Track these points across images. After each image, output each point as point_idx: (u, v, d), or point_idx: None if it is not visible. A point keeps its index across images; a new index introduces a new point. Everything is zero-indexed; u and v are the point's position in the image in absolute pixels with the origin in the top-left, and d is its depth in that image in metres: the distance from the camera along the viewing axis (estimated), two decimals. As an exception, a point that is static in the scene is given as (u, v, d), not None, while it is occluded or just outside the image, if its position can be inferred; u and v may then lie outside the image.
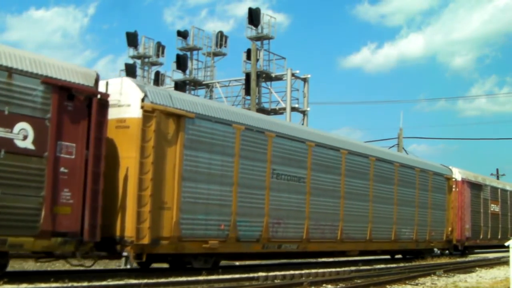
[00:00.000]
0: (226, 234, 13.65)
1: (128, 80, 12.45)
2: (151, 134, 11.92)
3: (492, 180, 33.42)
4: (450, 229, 25.11)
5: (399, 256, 24.41)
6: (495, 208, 31.47)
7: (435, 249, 25.95)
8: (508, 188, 34.78)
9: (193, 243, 12.96)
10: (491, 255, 28.58)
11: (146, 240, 11.66)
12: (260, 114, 18.04)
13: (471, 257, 27.16)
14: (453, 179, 25.99)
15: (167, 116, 12.32)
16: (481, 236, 29.42)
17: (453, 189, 25.86)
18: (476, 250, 31.44)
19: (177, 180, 12.42)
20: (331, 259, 21.87)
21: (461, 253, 28.12)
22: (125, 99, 11.99)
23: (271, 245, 15.20)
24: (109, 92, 11.47)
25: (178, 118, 12.56)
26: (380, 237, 20.02)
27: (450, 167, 26.79)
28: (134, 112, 11.88)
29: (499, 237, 31.52)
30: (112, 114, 11.56)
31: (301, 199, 16.17)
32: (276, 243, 15.35)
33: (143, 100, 11.88)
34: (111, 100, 11.43)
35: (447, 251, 26.69)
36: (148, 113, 11.90)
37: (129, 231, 11.53)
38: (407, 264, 19.86)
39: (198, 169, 12.99)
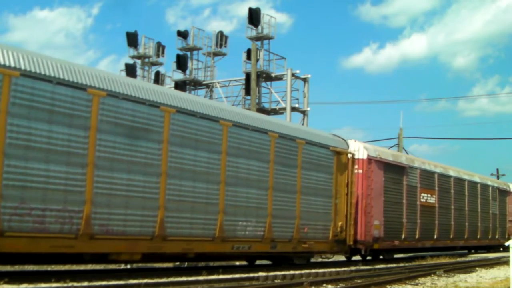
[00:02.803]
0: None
1: None
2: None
3: (426, 162, 25.04)
4: (340, 224, 17.66)
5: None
6: (428, 198, 23.80)
7: (333, 255, 19.57)
8: (451, 173, 26.45)
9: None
10: (491, 255, 28.39)
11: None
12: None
13: (471, 257, 27.10)
14: (350, 155, 18.47)
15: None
16: (402, 236, 21.58)
17: (352, 170, 18.46)
18: (398, 256, 24.52)
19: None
20: (331, 259, 21.84)
21: (372, 258, 21.29)
22: None
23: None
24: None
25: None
26: (180, 234, 13.02)
27: (351, 140, 19.97)
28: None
29: (436, 236, 24.43)
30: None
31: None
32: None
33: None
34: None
35: (339, 256, 20.61)
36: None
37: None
38: (407, 264, 19.85)
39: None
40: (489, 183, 31.23)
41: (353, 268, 16.36)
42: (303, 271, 14.27)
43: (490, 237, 30.31)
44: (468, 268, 19.03)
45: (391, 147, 39.19)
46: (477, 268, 19.19)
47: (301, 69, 33.32)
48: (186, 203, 13.13)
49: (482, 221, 29.25)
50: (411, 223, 22.40)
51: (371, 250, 20.48)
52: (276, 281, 12.86)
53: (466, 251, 31.07)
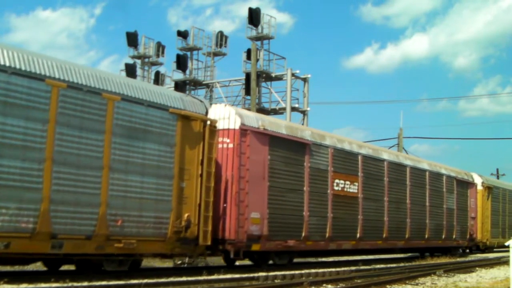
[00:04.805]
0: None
1: None
2: None
3: (346, 140, 19.25)
4: (186, 216, 12.98)
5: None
6: (347, 187, 18.43)
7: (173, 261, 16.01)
8: (385, 156, 20.97)
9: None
10: (491, 255, 28.34)
11: None
12: None
13: (471, 257, 27.09)
14: (207, 122, 13.74)
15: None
16: (302, 235, 16.17)
17: (212, 143, 13.78)
18: (302, 260, 19.59)
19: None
20: (331, 259, 21.87)
21: (255, 264, 16.17)
22: None
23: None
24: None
25: None
26: None
27: (220, 104, 15.93)
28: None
29: (359, 236, 18.75)
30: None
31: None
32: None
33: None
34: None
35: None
36: None
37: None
38: (407, 264, 19.84)
39: None
40: (443, 171, 25.24)
41: (353, 268, 16.36)
42: (303, 271, 14.28)
43: (444, 237, 24.68)
44: (468, 268, 19.04)
45: (391, 147, 39.23)
46: (477, 268, 19.20)
47: (303, 69, 33.54)
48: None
49: (431, 218, 23.55)
50: (317, 218, 16.86)
51: (253, 253, 15.51)
52: (276, 281, 12.86)
53: (408, 254, 26.29)
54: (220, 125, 14.48)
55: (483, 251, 31.17)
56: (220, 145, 14.53)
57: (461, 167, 28.81)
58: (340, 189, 18.07)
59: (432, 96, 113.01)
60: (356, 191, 18.84)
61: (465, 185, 27.40)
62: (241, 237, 14.27)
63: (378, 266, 18.04)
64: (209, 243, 13.56)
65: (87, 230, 11.22)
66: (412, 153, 40.26)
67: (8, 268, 12.63)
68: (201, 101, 14.19)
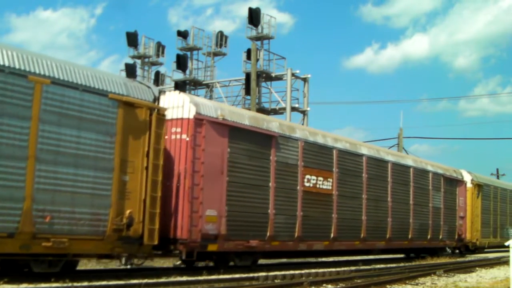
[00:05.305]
0: None
1: None
2: None
3: (319, 133, 17.83)
4: (128, 212, 11.78)
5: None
6: (319, 183, 17.02)
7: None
8: (364, 151, 19.62)
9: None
10: (491, 255, 28.27)
11: None
12: None
13: (471, 257, 27.05)
14: (154, 111, 12.54)
15: None
16: (267, 234, 15.02)
17: (160, 133, 12.59)
18: (270, 261, 18.44)
19: None
20: (331, 259, 21.88)
21: (214, 266, 15.14)
22: None
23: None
24: None
25: None
26: None
27: (173, 91, 14.90)
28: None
29: (333, 235, 17.44)
30: None
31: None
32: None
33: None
34: None
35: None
36: None
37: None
38: (407, 264, 19.84)
39: None
40: (430, 168, 23.97)
41: (353, 268, 16.36)
42: (303, 271, 14.28)
43: (429, 237, 23.47)
44: (468, 268, 19.05)
45: (391, 147, 39.23)
46: (477, 268, 19.20)
47: (303, 69, 33.54)
48: None
49: (416, 217, 22.28)
50: (284, 216, 15.75)
51: (212, 254, 14.42)
52: (276, 281, 12.87)
53: (390, 255, 24.21)
54: (174, 114, 13.46)
55: (473, 252, 29.47)
56: (173, 136, 13.44)
57: (461, 167, 28.49)
58: (311, 185, 16.74)
59: (432, 96, 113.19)
60: (330, 187, 17.53)
61: (454, 182, 26.15)
62: (195, 237, 13.06)
63: (378, 266, 18.05)
64: (155, 242, 12.25)
65: (9, 227, 10.05)
66: (412, 153, 40.27)
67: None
68: (148, 86, 12.84)
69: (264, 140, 15.19)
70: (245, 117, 15.01)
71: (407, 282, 14.13)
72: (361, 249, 19.88)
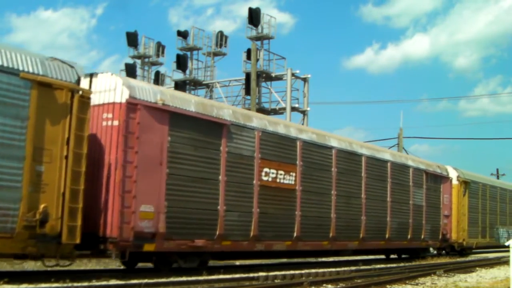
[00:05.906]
0: None
1: None
2: None
3: (281, 123, 16.76)
4: (43, 207, 10.23)
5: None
6: (280, 177, 15.51)
7: None
8: (333, 143, 17.91)
9: None
10: (491, 255, 28.24)
11: None
12: None
13: (471, 257, 27.05)
14: (77, 93, 10.92)
15: None
16: (217, 233, 13.60)
17: (84, 118, 11.02)
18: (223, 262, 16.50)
19: None
20: (331, 259, 21.87)
21: (154, 268, 13.64)
22: None
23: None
24: None
25: None
26: None
27: (108, 73, 12.47)
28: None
29: (296, 235, 15.91)
30: None
31: None
32: None
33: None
34: None
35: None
36: None
37: None
38: (407, 264, 19.84)
39: None
40: (410, 163, 22.42)
41: (353, 268, 16.35)
42: (303, 271, 14.28)
43: (410, 237, 21.75)
44: (468, 268, 19.05)
45: (391, 147, 39.21)
46: (477, 268, 19.21)
47: (303, 69, 33.56)
48: None
49: (394, 216, 20.60)
50: (238, 213, 14.18)
51: (151, 255, 12.98)
52: (276, 281, 12.87)
53: (363, 256, 22.56)
54: (106, 99, 11.98)
55: (459, 253, 27.27)
56: (104, 123, 11.90)
57: (461, 167, 28.19)
58: (270, 179, 15.15)
59: (433, 96, 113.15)
60: (292, 182, 15.94)
61: (438, 179, 24.23)
62: (126, 235, 11.48)
63: (378, 266, 18.04)
64: (77, 241, 10.67)
65: None
66: (412, 153, 40.25)
67: (8, 268, 12.64)
68: (71, 66, 11.08)
69: (213, 128, 13.63)
70: (191, 102, 13.44)
71: (407, 282, 14.13)
72: (330, 249, 18.33)
